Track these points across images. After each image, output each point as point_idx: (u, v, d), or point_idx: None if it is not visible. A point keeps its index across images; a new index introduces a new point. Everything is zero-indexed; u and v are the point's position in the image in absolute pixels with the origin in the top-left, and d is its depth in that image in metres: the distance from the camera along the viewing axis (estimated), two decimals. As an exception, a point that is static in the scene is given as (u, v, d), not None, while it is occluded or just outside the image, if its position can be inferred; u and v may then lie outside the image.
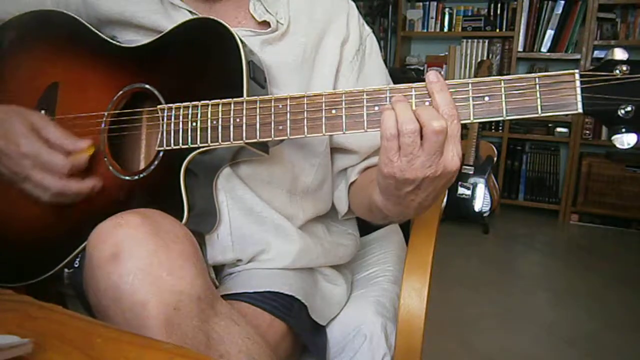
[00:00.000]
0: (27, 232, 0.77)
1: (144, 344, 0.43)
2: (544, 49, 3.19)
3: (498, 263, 2.67)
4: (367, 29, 0.86)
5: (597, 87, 0.54)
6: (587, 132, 3.16)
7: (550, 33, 3.16)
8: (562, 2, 3.12)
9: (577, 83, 0.54)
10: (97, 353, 0.40)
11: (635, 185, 2.99)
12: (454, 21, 3.44)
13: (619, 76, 0.53)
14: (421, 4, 3.49)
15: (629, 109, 0.53)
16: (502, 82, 0.56)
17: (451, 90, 0.57)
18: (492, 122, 3.34)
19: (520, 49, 3.23)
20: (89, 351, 0.40)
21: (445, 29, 3.46)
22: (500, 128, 3.35)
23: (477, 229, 3.01)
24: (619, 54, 0.54)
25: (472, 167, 2.98)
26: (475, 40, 3.39)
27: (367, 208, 0.76)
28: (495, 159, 3.06)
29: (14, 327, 0.44)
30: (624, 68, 0.53)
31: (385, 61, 3.49)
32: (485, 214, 2.97)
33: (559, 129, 3.25)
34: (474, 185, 2.96)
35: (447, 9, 3.43)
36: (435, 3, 3.46)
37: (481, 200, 2.95)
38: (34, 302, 0.50)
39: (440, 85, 0.56)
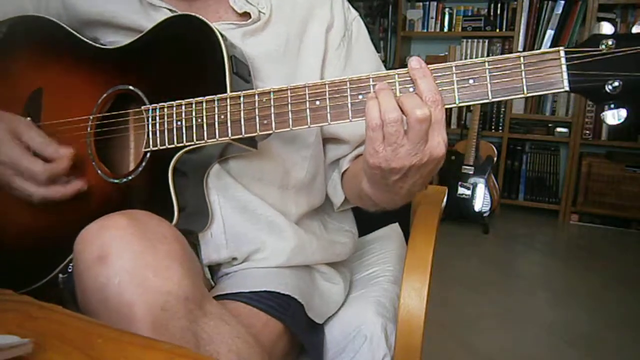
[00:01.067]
0: (19, 240, 0.76)
1: (144, 344, 0.43)
2: (544, 49, 3.18)
3: (498, 263, 2.67)
4: (353, 12, 0.85)
5: (583, 64, 0.52)
6: (587, 132, 3.16)
7: (550, 33, 3.16)
8: (562, 2, 3.12)
9: (563, 60, 0.53)
10: (98, 353, 0.40)
11: (635, 185, 2.99)
12: (454, 21, 3.43)
13: (604, 51, 0.52)
14: (421, 4, 3.49)
15: (616, 84, 0.52)
16: (487, 63, 0.55)
17: (435, 74, 0.56)
18: (491, 121, 3.35)
19: (520, 49, 3.23)
20: (89, 351, 0.40)
21: (445, 29, 3.46)
22: (500, 128, 3.35)
23: (477, 229, 3.00)
24: (606, 28, 0.53)
25: (472, 167, 2.98)
26: (475, 40, 3.39)
27: (357, 196, 0.76)
28: (495, 159, 3.06)
29: (14, 327, 0.44)
30: (610, 42, 0.52)
31: (385, 61, 3.49)
32: (485, 214, 2.97)
33: (559, 129, 3.25)
34: (474, 185, 2.96)
35: (447, 9, 3.43)
36: (435, 3, 3.46)
37: (481, 200, 2.95)
38: (34, 302, 0.50)
39: (423, 71, 0.56)
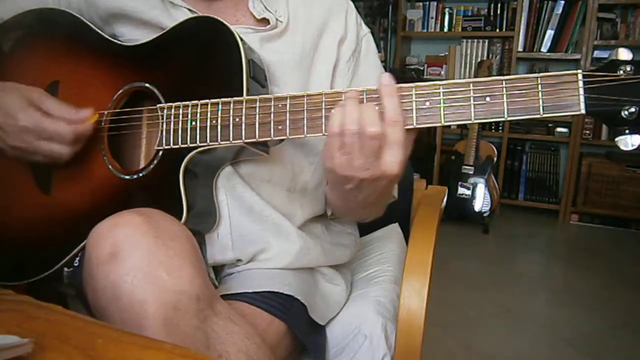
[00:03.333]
0: (27, 231, 0.77)
1: (144, 344, 0.43)
2: (544, 49, 3.19)
3: (498, 263, 2.67)
4: (365, 29, 0.86)
5: (600, 88, 0.53)
6: (587, 132, 3.16)
7: (550, 33, 3.16)
8: (562, 2, 3.12)
9: (580, 83, 0.53)
10: (98, 353, 0.40)
11: (635, 185, 2.99)
12: (454, 21, 3.43)
13: (622, 77, 0.52)
14: (421, 4, 3.49)
15: (632, 110, 0.52)
16: (504, 82, 0.56)
17: (454, 89, 0.57)
18: (491, 122, 3.34)
19: (520, 49, 3.23)
20: (90, 351, 0.40)
21: (445, 29, 3.46)
22: (500, 128, 3.35)
23: (477, 229, 3.00)
24: (624, 55, 0.53)
25: (472, 167, 2.98)
26: (475, 40, 3.39)
27: (328, 202, 0.80)
28: (495, 159, 3.06)
29: (14, 327, 0.44)
30: (628, 69, 0.52)
31: (385, 61, 3.49)
32: (485, 214, 2.97)
33: (559, 129, 3.25)
34: (474, 185, 2.96)
35: (447, 9, 3.43)
36: (435, 3, 3.46)
37: (481, 200, 2.95)
38: (34, 302, 0.50)
39: (390, 90, 0.57)
